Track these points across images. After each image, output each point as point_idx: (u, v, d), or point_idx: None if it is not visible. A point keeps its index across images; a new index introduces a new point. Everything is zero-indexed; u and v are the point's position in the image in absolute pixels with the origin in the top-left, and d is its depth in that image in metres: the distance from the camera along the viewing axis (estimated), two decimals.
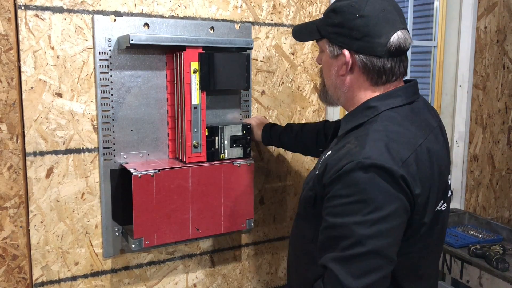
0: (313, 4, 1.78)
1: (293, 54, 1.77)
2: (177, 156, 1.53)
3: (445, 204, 1.06)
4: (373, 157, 0.92)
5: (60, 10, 1.35)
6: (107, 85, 1.42)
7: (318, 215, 1.02)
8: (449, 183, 1.09)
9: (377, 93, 1.06)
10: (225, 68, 1.47)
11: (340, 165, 0.95)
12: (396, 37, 1.02)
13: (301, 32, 1.22)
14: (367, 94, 1.07)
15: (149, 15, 1.47)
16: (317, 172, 1.05)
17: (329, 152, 1.07)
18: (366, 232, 0.90)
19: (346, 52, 1.05)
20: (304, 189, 1.13)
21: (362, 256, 0.90)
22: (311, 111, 1.84)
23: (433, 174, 1.00)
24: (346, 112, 1.14)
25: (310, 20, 1.76)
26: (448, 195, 1.09)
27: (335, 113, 1.90)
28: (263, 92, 1.72)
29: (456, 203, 2.36)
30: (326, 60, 1.12)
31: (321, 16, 1.13)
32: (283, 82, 1.76)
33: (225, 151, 1.54)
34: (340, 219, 0.93)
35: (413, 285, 1.06)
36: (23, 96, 1.33)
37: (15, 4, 1.30)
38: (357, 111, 1.07)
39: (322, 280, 0.96)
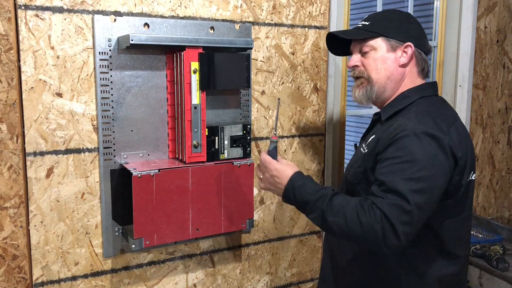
0: (313, 4, 1.78)
1: (293, 54, 1.77)
2: (177, 156, 1.53)
3: (475, 175, 1.22)
4: (423, 127, 1.11)
5: (60, 10, 1.35)
6: (107, 85, 1.42)
7: (366, 189, 1.19)
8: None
9: (416, 84, 1.27)
10: (225, 68, 1.47)
11: (392, 134, 1.13)
12: (429, 41, 1.25)
13: (351, 34, 1.33)
14: (413, 83, 1.28)
15: (149, 15, 1.47)
16: (366, 150, 1.23)
17: (372, 136, 1.24)
18: (413, 187, 1.05)
19: (411, 43, 1.24)
20: (349, 172, 1.28)
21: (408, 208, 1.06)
22: (311, 111, 1.84)
23: (468, 146, 1.18)
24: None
25: (310, 19, 1.77)
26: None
27: (335, 114, 1.90)
28: (263, 92, 1.72)
29: None
30: (380, 56, 1.26)
31: (359, 25, 1.31)
32: (283, 82, 1.76)
33: (225, 151, 1.54)
34: (391, 177, 1.08)
35: (457, 249, 1.22)
36: (23, 96, 1.33)
37: (15, 4, 1.30)
38: (395, 101, 1.27)
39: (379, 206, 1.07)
